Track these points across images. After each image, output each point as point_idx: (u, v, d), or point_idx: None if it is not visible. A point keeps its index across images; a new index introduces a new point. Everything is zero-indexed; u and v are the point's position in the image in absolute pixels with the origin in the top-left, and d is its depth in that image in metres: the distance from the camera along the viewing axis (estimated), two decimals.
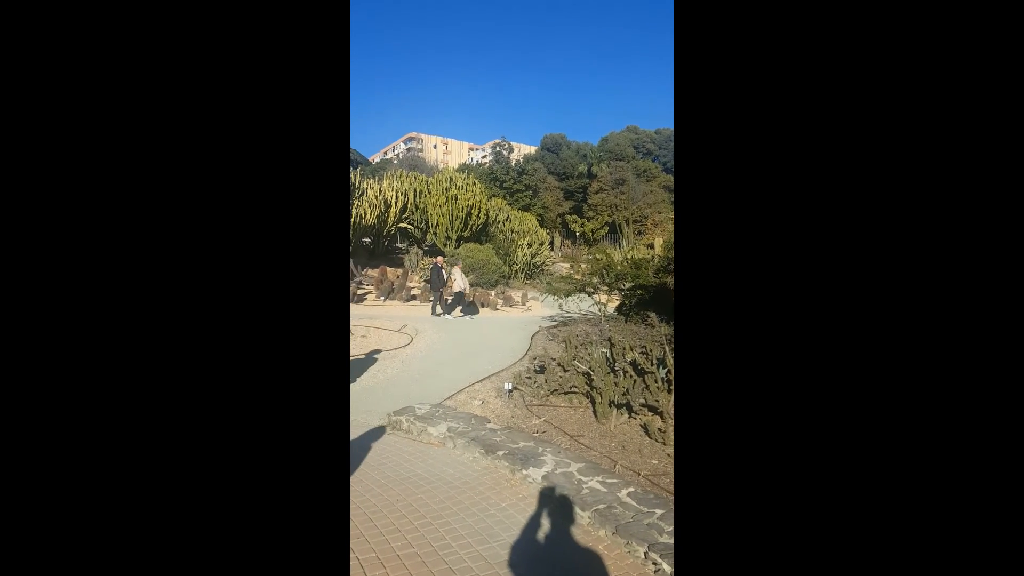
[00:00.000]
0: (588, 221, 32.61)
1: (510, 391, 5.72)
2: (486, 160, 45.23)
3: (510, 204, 27.18)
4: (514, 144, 44.94)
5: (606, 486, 3.11)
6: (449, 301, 12.24)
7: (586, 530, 2.74)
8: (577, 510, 2.85)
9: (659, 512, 2.77)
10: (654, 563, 2.36)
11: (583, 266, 11.02)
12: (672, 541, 2.44)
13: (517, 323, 11.13)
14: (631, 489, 3.09)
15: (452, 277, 12.16)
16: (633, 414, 5.06)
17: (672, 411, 4.89)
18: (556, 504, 2.95)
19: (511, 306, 14.23)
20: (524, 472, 3.33)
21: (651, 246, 17.11)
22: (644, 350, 5.29)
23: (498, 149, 40.88)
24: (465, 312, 12.03)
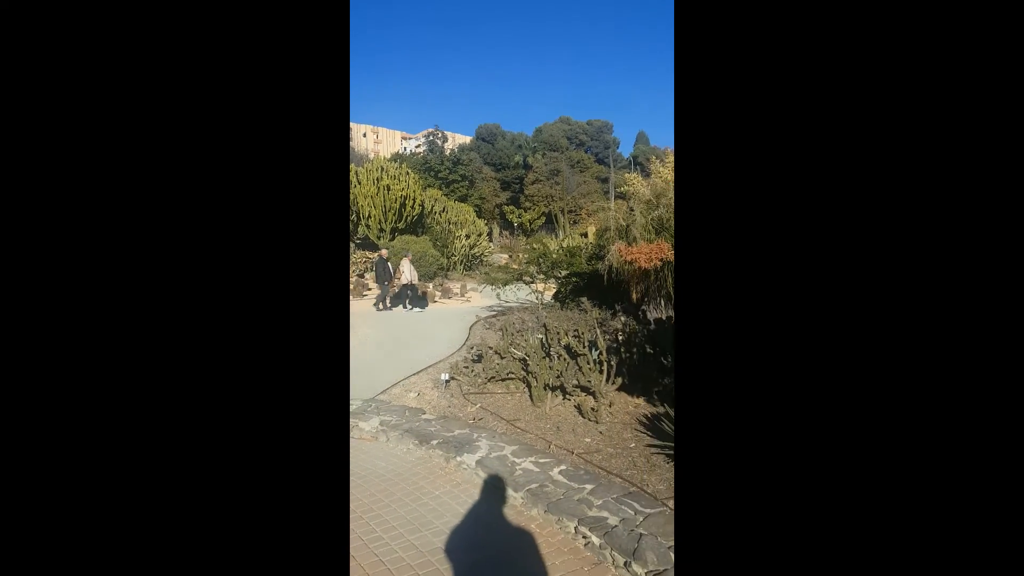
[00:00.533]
0: (525, 212, 32.88)
1: (447, 381, 5.67)
2: (420, 150, 44.38)
3: (446, 195, 26.85)
4: (448, 134, 44.37)
5: (539, 466, 3.16)
6: (395, 293, 11.91)
7: (519, 510, 2.77)
8: (510, 491, 2.87)
9: (589, 487, 2.84)
10: (584, 536, 2.42)
11: (521, 255, 11.11)
12: (603, 515, 2.51)
13: (456, 314, 11.05)
14: (563, 467, 3.15)
15: (400, 269, 11.85)
16: (567, 396, 5.17)
17: (603, 391, 5.04)
18: (490, 488, 2.96)
19: (450, 298, 14.11)
20: (458, 459, 3.32)
21: (585, 235, 17.49)
22: (577, 334, 5.40)
23: (432, 139, 40.21)
24: (415, 305, 11.76)
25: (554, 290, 10.83)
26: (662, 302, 8.18)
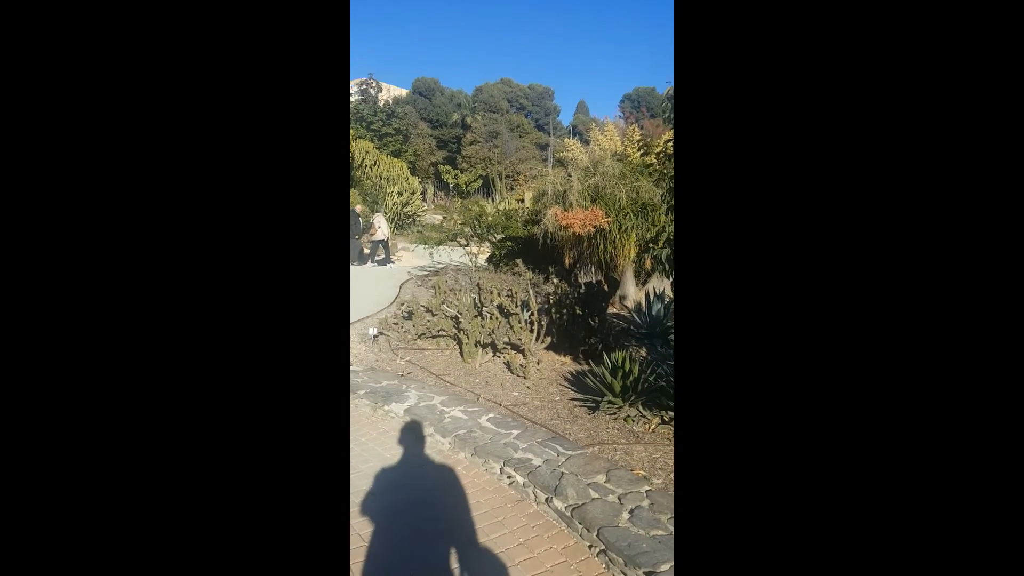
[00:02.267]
0: (462, 173, 32.24)
1: (375, 336, 5.58)
2: (352, 98, 41.93)
3: (378, 148, 25.71)
4: (383, 84, 42.13)
5: (467, 414, 3.23)
6: (367, 251, 11.46)
7: (446, 454, 2.83)
8: (438, 437, 2.92)
9: (515, 432, 2.95)
10: (508, 476, 2.53)
11: (456, 216, 10.96)
12: (527, 456, 2.62)
13: (386, 272, 10.80)
14: (491, 415, 3.24)
15: (375, 225, 11.39)
16: (497, 353, 5.27)
17: (533, 349, 5.19)
18: (417, 434, 2.99)
19: (380, 256, 13.69)
20: (386, 408, 3.31)
21: (522, 200, 17.48)
22: (510, 294, 5.48)
23: (365, 87, 37.97)
24: (386, 261, 11.39)
25: (488, 253, 10.84)
26: (592, 268, 8.45)
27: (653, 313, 6.33)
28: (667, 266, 3.03)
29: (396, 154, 26.99)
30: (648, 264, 7.63)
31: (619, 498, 2.21)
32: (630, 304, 7.35)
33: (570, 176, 8.17)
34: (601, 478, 2.38)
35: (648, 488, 2.30)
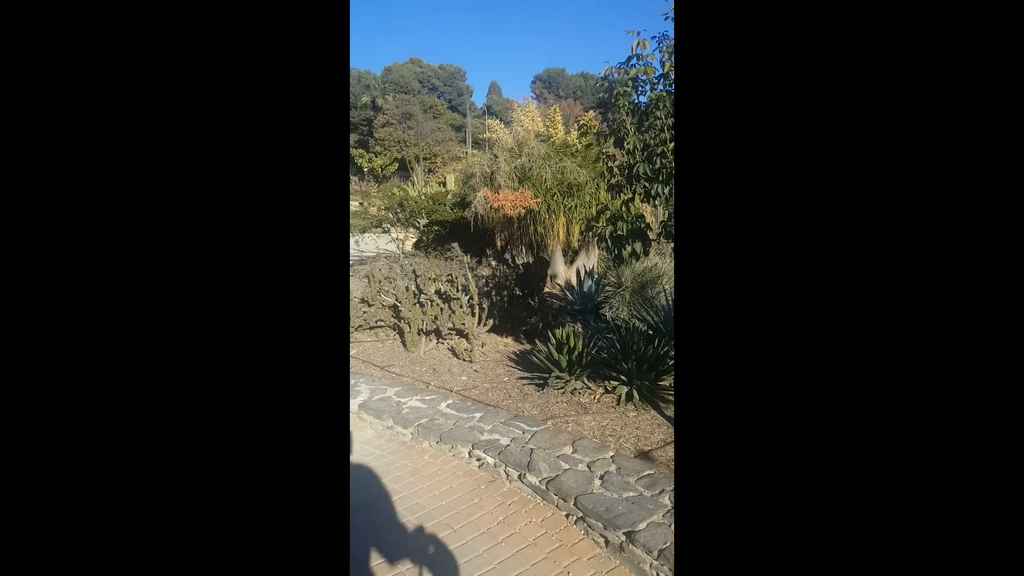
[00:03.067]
0: (376, 156, 31.06)
1: None
2: None
3: None
4: None
5: (425, 403, 3.21)
6: None
7: (410, 445, 2.81)
8: (399, 428, 2.88)
9: (477, 416, 2.99)
10: (478, 459, 2.56)
11: (377, 202, 10.60)
12: (494, 437, 2.67)
13: None
14: (449, 402, 3.24)
15: None
16: (441, 340, 5.24)
17: (476, 332, 5.22)
18: (377, 428, 2.93)
19: None
20: None
21: (443, 183, 17.27)
22: (450, 279, 5.44)
23: None
24: None
25: (415, 239, 10.63)
26: (524, 249, 8.57)
27: (585, 290, 6.58)
28: (609, 243, 3.16)
29: None
30: (593, 242, 7.88)
31: (588, 466, 2.33)
32: (561, 282, 7.58)
33: (496, 157, 8.17)
34: (568, 449, 2.49)
35: (612, 454, 2.44)
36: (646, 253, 3.15)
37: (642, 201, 3.15)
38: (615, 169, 3.25)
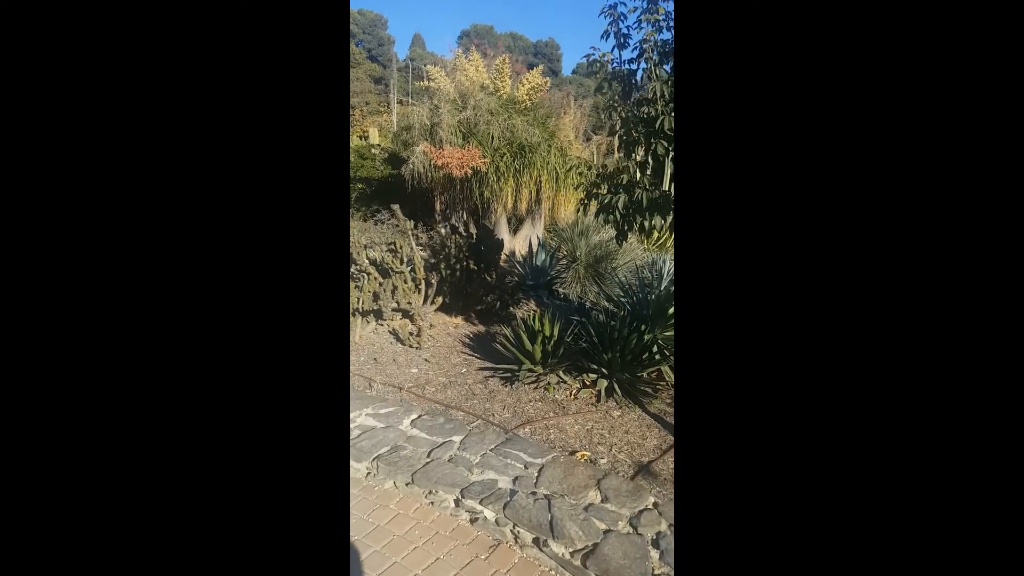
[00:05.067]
0: None
1: None
2: None
3: None
4: None
5: (381, 418, 2.41)
6: None
7: (367, 487, 2.03)
8: (351, 463, 2.08)
9: (456, 440, 2.24)
10: (470, 512, 1.84)
11: None
12: (487, 476, 1.95)
13: None
14: (413, 416, 2.47)
15: None
16: (381, 321, 4.38)
17: (422, 312, 4.42)
18: None
19: None
20: None
21: (365, 137, 15.80)
22: (393, 248, 4.54)
23: None
24: None
25: None
26: (465, 214, 7.72)
27: (538, 263, 5.95)
28: (619, 214, 2.50)
29: None
30: (540, 210, 7.21)
31: (631, 524, 1.70)
32: (505, 253, 6.87)
33: (438, 108, 7.15)
34: (595, 495, 1.84)
35: (655, 500, 1.83)
36: (670, 230, 2.56)
37: (657, 163, 2.50)
38: (626, 122, 2.56)
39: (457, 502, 1.85)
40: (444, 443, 2.19)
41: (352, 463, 2.06)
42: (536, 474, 1.96)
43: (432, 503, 1.89)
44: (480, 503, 1.80)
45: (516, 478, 1.93)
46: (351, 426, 2.31)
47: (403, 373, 3.63)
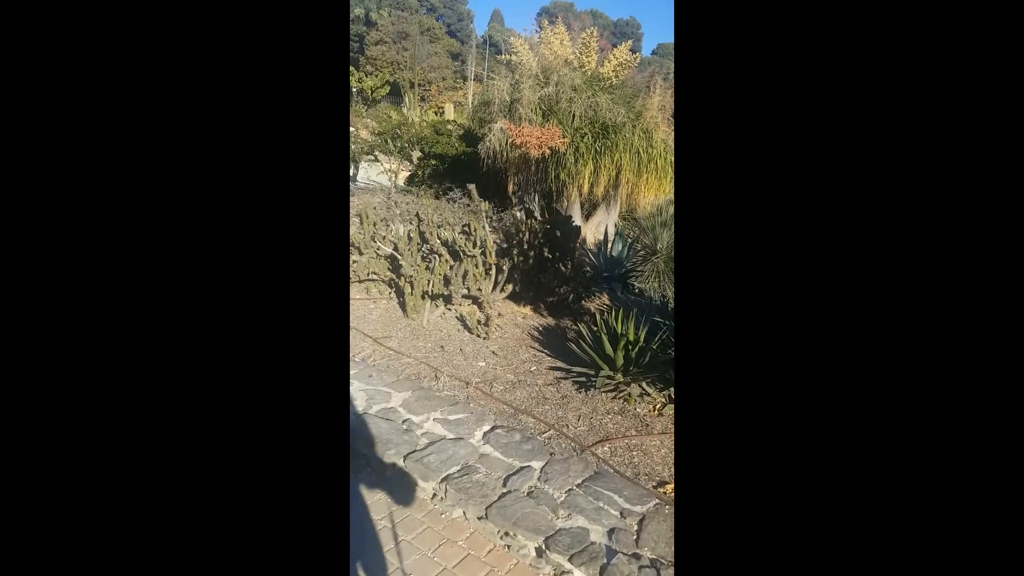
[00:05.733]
0: (367, 76, 28.46)
1: None
2: None
3: None
4: None
5: (449, 426, 2.13)
6: None
7: (433, 512, 1.75)
8: (419, 482, 1.80)
9: (536, 466, 1.92)
10: (557, 569, 1.51)
11: (371, 124, 9.12)
12: (576, 524, 1.61)
13: None
14: (486, 428, 2.16)
15: None
16: (449, 305, 4.13)
17: (491, 300, 4.13)
18: (376, 465, 1.84)
19: None
20: None
21: (441, 111, 15.67)
22: (467, 230, 4.26)
23: None
24: None
25: (408, 173, 9.28)
26: (536, 196, 7.34)
27: (614, 254, 5.49)
28: None
29: None
30: (618, 196, 6.74)
31: None
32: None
33: (519, 84, 6.75)
34: None
35: None
36: None
37: None
38: None
39: (540, 552, 1.53)
40: (522, 468, 1.87)
41: (419, 481, 1.79)
42: (636, 527, 1.60)
43: (509, 547, 1.58)
44: (570, 560, 1.47)
45: (612, 530, 1.58)
46: (418, 432, 2.05)
47: (470, 366, 3.37)
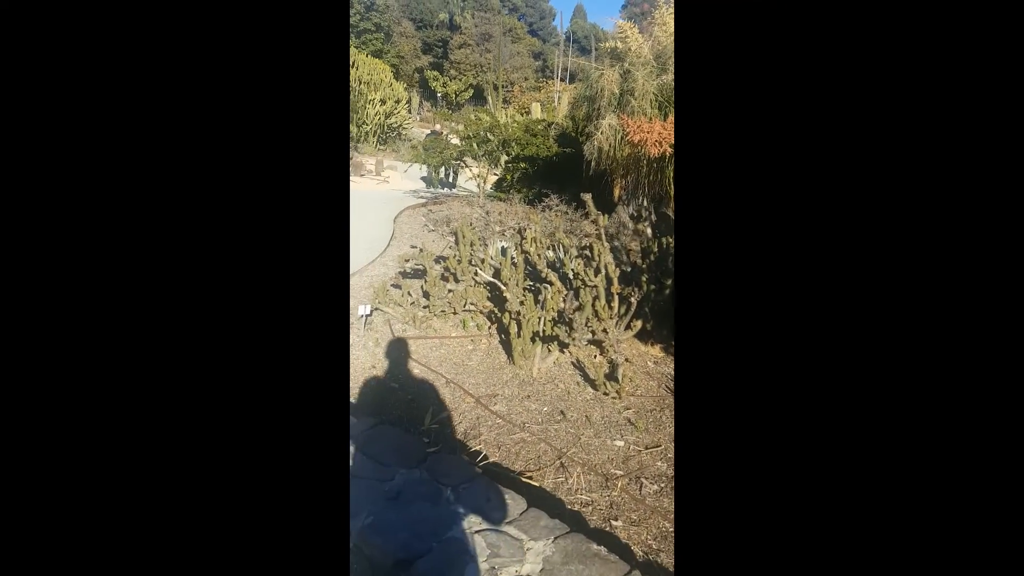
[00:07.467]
0: (451, 80, 28.44)
1: (367, 315, 3.52)
2: None
3: (356, 47, 21.99)
4: None
5: None
6: None
7: None
8: None
9: None
10: None
11: (460, 128, 8.55)
12: None
13: (373, 200, 8.44)
14: None
15: None
16: (564, 348, 3.30)
17: (616, 340, 3.25)
18: None
19: (362, 175, 11.31)
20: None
21: (527, 111, 14.89)
22: (585, 252, 3.42)
23: None
24: None
25: (496, 178, 8.61)
26: (644, 200, 6.33)
27: None
28: None
29: (377, 55, 23.22)
30: None
31: None
32: None
33: (630, 73, 5.79)
34: None
35: None
36: None
37: None
38: None
39: None
40: None
41: None
42: None
43: None
44: None
45: None
46: None
47: (605, 447, 2.52)
